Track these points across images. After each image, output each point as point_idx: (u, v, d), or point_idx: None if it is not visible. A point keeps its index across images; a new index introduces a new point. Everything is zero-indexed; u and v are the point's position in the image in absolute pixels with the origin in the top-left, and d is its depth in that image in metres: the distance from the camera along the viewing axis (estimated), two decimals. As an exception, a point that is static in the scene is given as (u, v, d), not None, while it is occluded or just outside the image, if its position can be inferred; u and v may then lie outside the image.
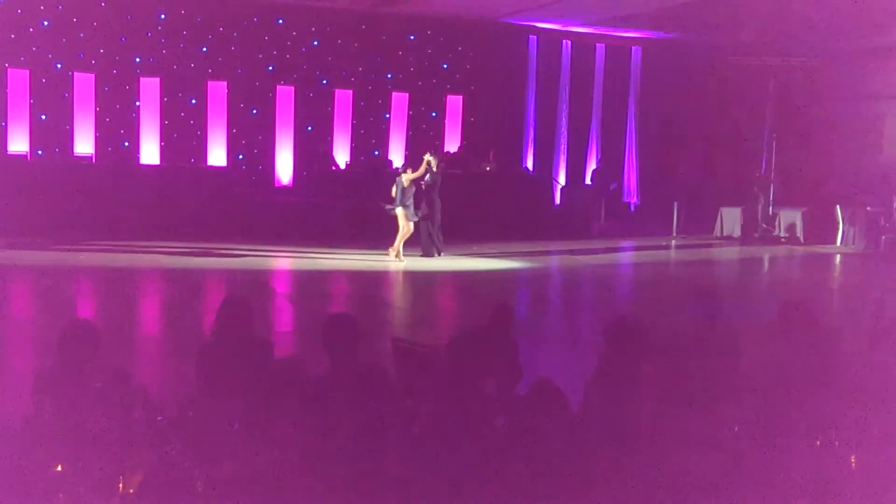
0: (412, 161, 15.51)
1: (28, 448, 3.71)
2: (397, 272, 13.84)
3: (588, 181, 21.84)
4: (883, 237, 17.07)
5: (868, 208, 17.86)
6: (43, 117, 17.65)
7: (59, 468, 3.67)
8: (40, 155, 17.51)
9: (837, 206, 18.17)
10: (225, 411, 4.26)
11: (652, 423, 4.43)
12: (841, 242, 17.98)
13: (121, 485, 3.63)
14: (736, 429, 4.49)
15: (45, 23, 17.37)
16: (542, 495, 4.00)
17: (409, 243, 14.54)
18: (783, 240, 18.49)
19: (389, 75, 20.07)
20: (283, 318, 10.65)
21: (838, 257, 17.07)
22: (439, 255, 14.77)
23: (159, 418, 4.01)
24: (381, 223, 14.78)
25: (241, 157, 19.08)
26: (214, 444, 4.05)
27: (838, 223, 18.06)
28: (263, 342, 5.13)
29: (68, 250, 13.87)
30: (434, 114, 20.66)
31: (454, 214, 17.19)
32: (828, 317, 9.99)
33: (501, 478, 4.11)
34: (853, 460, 4.41)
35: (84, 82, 17.84)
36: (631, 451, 4.25)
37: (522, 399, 4.82)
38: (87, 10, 17.52)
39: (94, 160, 17.63)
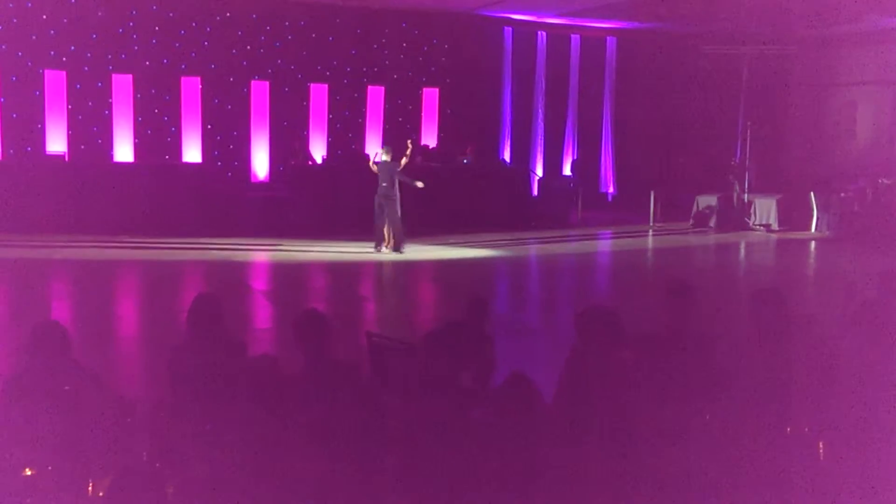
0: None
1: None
2: (376, 264, 13.84)
3: (569, 172, 21.89)
4: (856, 223, 17.23)
5: (842, 194, 18.02)
6: (14, 116, 17.45)
7: (28, 472, 3.63)
8: (12, 154, 17.32)
9: (812, 193, 18.32)
10: (197, 411, 4.23)
11: (628, 416, 4.44)
12: (815, 229, 18.13)
13: (90, 488, 3.61)
14: (707, 417, 4.49)
15: (15, 20, 17.16)
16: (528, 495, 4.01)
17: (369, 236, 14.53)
18: (758, 226, 18.62)
19: (365, 69, 19.99)
20: (259, 314, 10.61)
21: (813, 243, 17.22)
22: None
23: (129, 420, 3.98)
24: (361, 216, 14.74)
25: (216, 153, 18.96)
26: (185, 446, 4.03)
27: (812, 209, 18.21)
28: (236, 340, 5.10)
29: (42, 249, 13.76)
30: (410, 107, 20.61)
31: (433, 207, 17.30)
32: (803, 303, 10.09)
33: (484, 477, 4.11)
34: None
35: (55, 80, 17.65)
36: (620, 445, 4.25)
37: (497, 392, 4.81)
38: (58, 6, 17.32)
39: (66, 158, 17.44)
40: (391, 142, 20.04)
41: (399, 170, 14.32)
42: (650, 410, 4.45)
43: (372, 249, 14.37)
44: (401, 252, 14.30)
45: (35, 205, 15.28)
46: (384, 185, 14.21)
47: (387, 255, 14.31)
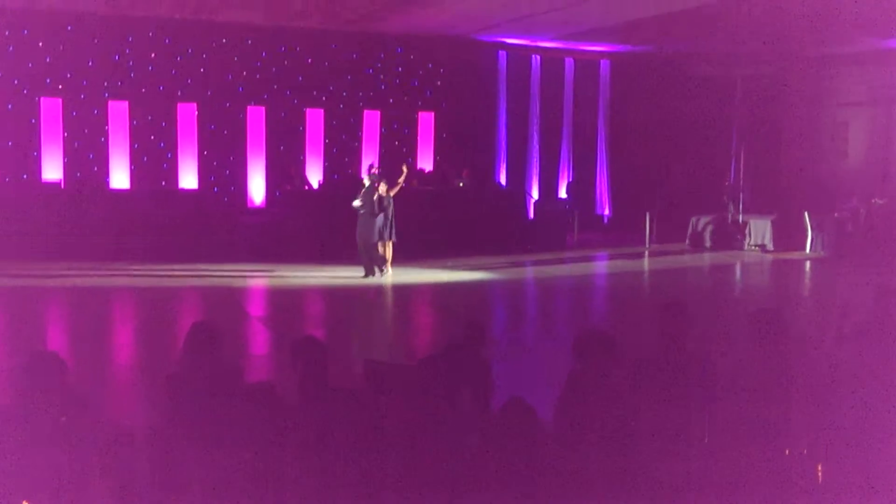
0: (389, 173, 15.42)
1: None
2: (373, 288, 13.84)
3: (564, 194, 21.96)
4: (851, 243, 17.29)
5: (836, 214, 18.09)
6: (10, 143, 17.49)
7: None
8: (8, 182, 17.33)
9: (806, 213, 18.38)
10: (196, 439, 4.22)
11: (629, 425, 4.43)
12: (810, 249, 18.17)
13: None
14: (707, 439, 4.49)
15: (11, 48, 17.25)
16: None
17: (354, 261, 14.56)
18: (754, 247, 18.66)
19: (360, 93, 20.09)
20: (256, 340, 10.59)
21: (808, 263, 17.25)
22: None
23: (127, 449, 3.97)
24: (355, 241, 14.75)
25: (212, 178, 19.00)
26: (184, 475, 4.01)
27: (807, 229, 18.27)
28: (234, 367, 5.09)
29: (38, 276, 13.74)
30: (406, 131, 20.70)
31: (429, 230, 17.36)
32: (798, 320, 10.10)
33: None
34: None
35: (51, 107, 17.71)
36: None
37: (496, 417, 4.80)
38: (54, 34, 17.41)
39: (62, 186, 17.48)
40: (387, 166, 20.20)
41: (379, 194, 14.25)
42: (649, 432, 4.45)
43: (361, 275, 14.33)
44: (372, 277, 14.22)
45: (31, 232, 15.29)
46: (362, 211, 14.23)
47: (386, 278, 14.30)
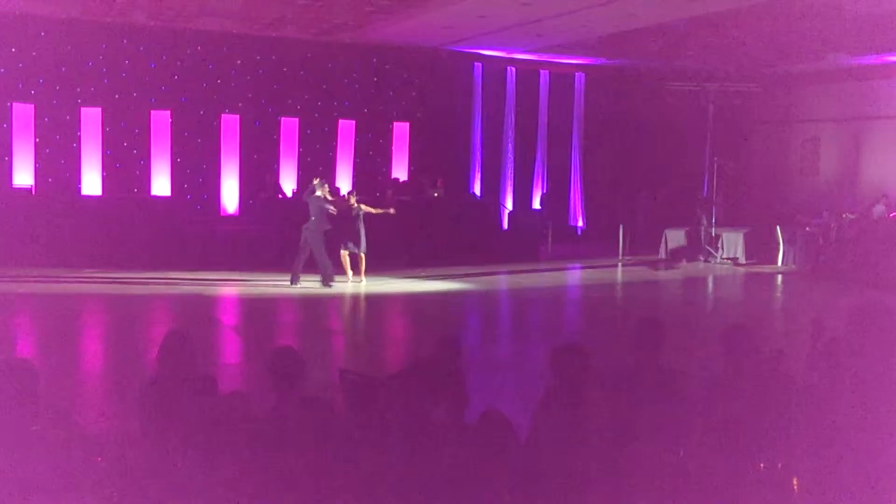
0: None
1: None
2: (346, 296, 13.80)
3: (538, 205, 22.05)
4: (820, 256, 17.50)
5: (807, 228, 18.31)
6: (-20, 149, 17.30)
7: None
8: (-23, 187, 17.13)
9: (777, 227, 18.59)
10: (168, 450, 4.18)
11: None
12: (782, 262, 18.37)
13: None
14: (681, 453, 4.52)
15: (-17, 53, 17.08)
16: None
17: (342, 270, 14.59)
18: (726, 260, 18.84)
19: (335, 103, 20.07)
20: (228, 349, 10.52)
21: (780, 277, 17.43)
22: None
23: (99, 459, 3.92)
24: (333, 250, 14.70)
25: (185, 185, 18.89)
26: (156, 485, 3.97)
27: (779, 243, 18.47)
28: (207, 377, 5.06)
29: (7, 282, 13.56)
30: (381, 141, 20.70)
31: (403, 240, 17.37)
32: (768, 332, 10.19)
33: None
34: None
35: (23, 113, 17.53)
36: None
37: (472, 428, 4.81)
38: (27, 40, 17.24)
39: (33, 192, 17.29)
40: (361, 175, 20.23)
41: (326, 203, 14.23)
42: (624, 445, 4.47)
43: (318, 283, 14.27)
44: (329, 287, 14.14)
45: (1, 238, 15.08)
46: (312, 218, 14.17)
47: (359, 287, 14.31)
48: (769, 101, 22.15)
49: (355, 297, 13.92)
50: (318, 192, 14.29)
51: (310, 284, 14.24)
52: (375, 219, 15.02)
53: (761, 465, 4.49)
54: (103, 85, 17.98)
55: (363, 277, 14.62)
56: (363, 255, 14.57)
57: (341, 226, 14.44)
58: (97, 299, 13.06)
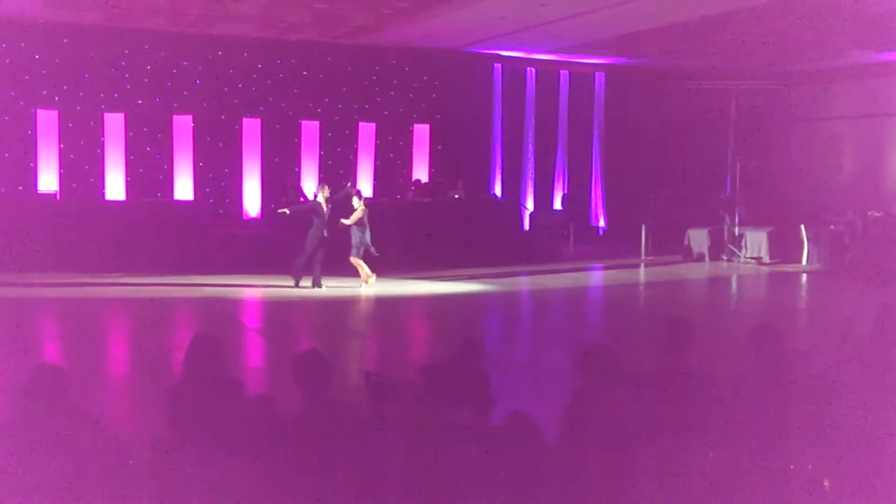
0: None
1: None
2: (369, 299, 13.83)
3: (559, 206, 21.99)
4: (846, 255, 17.34)
5: (832, 227, 18.14)
6: (6, 155, 17.46)
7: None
8: (3, 193, 17.29)
9: (802, 226, 18.43)
10: (197, 453, 4.20)
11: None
12: (806, 261, 18.22)
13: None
14: (711, 455, 4.49)
15: (8, 60, 17.25)
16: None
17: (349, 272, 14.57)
18: (749, 259, 18.70)
19: (356, 106, 20.12)
20: (253, 352, 10.57)
21: (805, 276, 17.29)
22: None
23: (129, 462, 3.95)
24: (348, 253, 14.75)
25: (208, 190, 18.99)
26: (187, 488, 3.99)
27: (803, 242, 18.31)
28: (234, 380, 5.08)
29: (34, 287, 13.69)
30: (401, 143, 20.72)
31: (424, 241, 17.38)
32: (796, 333, 10.11)
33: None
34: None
35: (48, 119, 17.70)
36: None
37: (498, 430, 4.80)
38: (50, 46, 17.42)
39: (58, 197, 17.44)
40: (382, 177, 20.27)
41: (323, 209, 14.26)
42: (648, 448, 4.45)
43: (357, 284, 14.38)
44: (296, 287, 14.23)
45: (27, 243, 15.22)
46: (317, 222, 14.24)
47: (369, 287, 14.30)
48: (792, 99, 21.98)
49: (377, 299, 13.93)
50: (319, 197, 14.36)
51: (340, 286, 14.28)
52: (397, 221, 15.02)
53: (791, 466, 4.46)
54: (126, 90, 18.13)
55: (364, 281, 14.48)
56: (355, 259, 14.42)
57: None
58: (122, 303, 13.15)
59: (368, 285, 14.41)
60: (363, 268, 14.41)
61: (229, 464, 4.19)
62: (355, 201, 14.38)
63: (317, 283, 14.30)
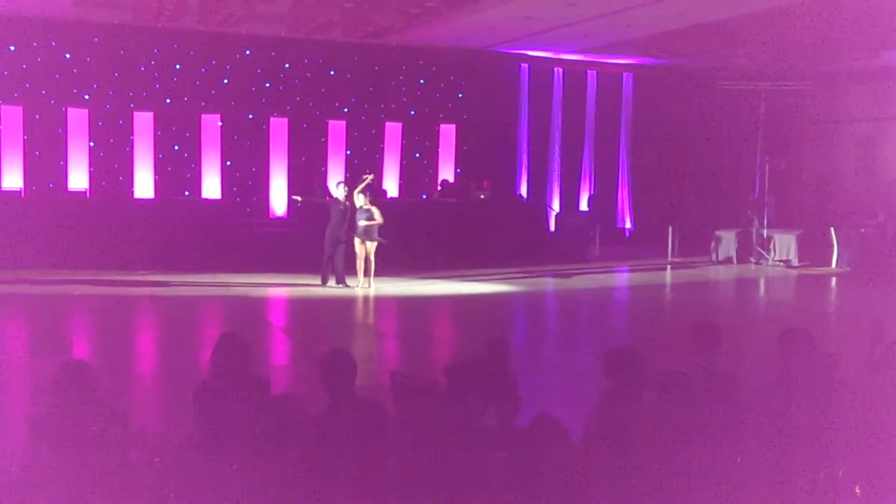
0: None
1: (25, 496, 3.66)
2: (395, 299, 13.83)
3: (585, 207, 21.89)
4: (877, 258, 17.11)
5: (862, 230, 17.92)
6: (37, 153, 17.66)
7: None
8: (34, 191, 17.49)
9: (832, 229, 18.23)
10: (223, 450, 4.22)
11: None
12: (836, 265, 18.00)
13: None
14: (738, 460, 4.44)
15: (39, 59, 17.44)
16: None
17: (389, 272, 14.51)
18: (778, 262, 18.51)
19: (382, 105, 20.14)
20: (279, 351, 10.61)
21: (834, 279, 17.09)
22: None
23: (157, 459, 3.97)
24: (379, 252, 14.75)
25: (235, 189, 19.10)
26: (213, 484, 4.01)
27: (833, 245, 18.10)
28: (261, 378, 5.10)
29: (63, 285, 13.83)
30: (427, 143, 20.73)
31: (450, 242, 17.39)
32: (824, 336, 9.99)
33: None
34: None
35: (78, 118, 17.88)
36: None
37: (524, 432, 4.77)
38: (80, 45, 17.59)
39: (88, 195, 17.62)
40: (408, 177, 20.28)
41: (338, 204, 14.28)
42: (676, 451, 4.41)
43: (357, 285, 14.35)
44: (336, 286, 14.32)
45: (56, 241, 15.41)
46: (335, 221, 14.26)
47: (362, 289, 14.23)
48: (822, 101, 21.74)
49: (402, 299, 13.94)
50: (338, 195, 14.39)
51: (365, 285, 14.30)
52: (422, 220, 15.01)
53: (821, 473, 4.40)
54: (154, 90, 18.27)
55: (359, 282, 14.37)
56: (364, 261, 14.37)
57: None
58: (150, 301, 13.25)
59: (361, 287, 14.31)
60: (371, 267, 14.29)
61: (254, 462, 4.20)
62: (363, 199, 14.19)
63: (340, 281, 14.34)
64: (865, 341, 5.80)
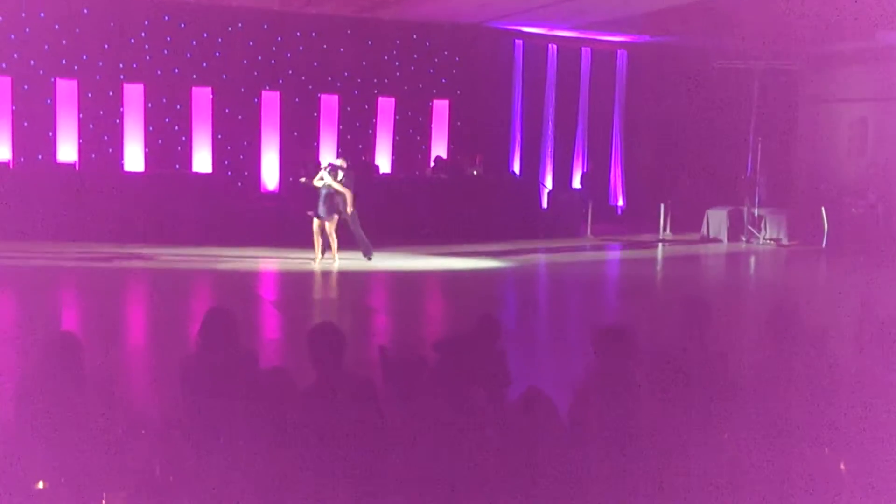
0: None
1: (7, 464, 3.65)
2: (385, 274, 13.83)
3: (578, 184, 21.87)
4: (867, 238, 17.15)
5: (853, 210, 17.96)
6: (25, 124, 17.52)
7: (42, 485, 3.61)
8: (23, 162, 17.37)
9: (822, 208, 18.26)
10: (210, 425, 4.21)
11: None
12: (826, 244, 18.05)
13: (104, 502, 3.58)
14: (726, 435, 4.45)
15: (27, 29, 17.25)
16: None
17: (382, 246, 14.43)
18: (769, 241, 18.56)
19: (375, 80, 20.02)
20: (269, 324, 10.60)
21: (824, 259, 17.13)
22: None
23: (142, 432, 3.96)
24: (371, 226, 14.72)
25: (226, 163, 19.00)
26: (199, 459, 4.00)
27: (824, 224, 18.14)
28: (248, 352, 5.08)
29: (51, 257, 13.78)
30: (420, 118, 20.64)
31: (443, 218, 17.37)
32: (813, 315, 10.02)
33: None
34: (852, 461, 4.40)
35: (67, 89, 17.71)
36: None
37: (513, 406, 4.78)
38: (70, 16, 17.39)
39: (77, 167, 17.51)
40: (401, 153, 20.21)
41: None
42: (664, 425, 4.41)
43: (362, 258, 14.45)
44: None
45: (45, 213, 15.33)
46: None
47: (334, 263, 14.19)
48: (815, 81, 21.69)
49: (394, 274, 13.93)
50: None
51: (355, 260, 14.28)
52: (414, 196, 14.98)
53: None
54: (146, 61, 18.10)
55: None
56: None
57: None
58: (139, 274, 13.22)
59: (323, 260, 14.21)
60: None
61: (240, 439, 4.19)
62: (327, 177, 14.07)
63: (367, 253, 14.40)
64: (854, 320, 5.82)
